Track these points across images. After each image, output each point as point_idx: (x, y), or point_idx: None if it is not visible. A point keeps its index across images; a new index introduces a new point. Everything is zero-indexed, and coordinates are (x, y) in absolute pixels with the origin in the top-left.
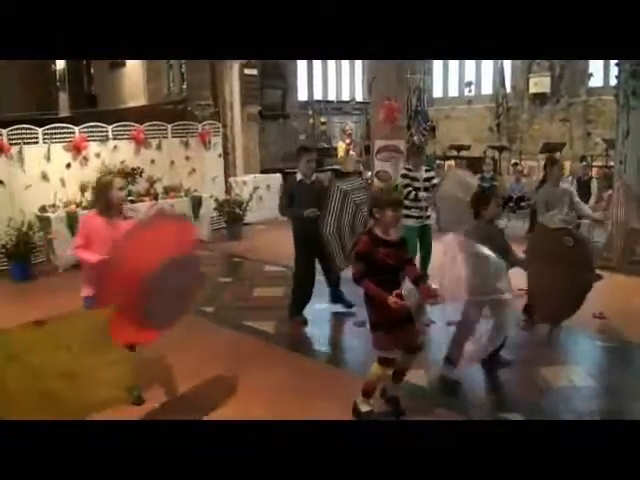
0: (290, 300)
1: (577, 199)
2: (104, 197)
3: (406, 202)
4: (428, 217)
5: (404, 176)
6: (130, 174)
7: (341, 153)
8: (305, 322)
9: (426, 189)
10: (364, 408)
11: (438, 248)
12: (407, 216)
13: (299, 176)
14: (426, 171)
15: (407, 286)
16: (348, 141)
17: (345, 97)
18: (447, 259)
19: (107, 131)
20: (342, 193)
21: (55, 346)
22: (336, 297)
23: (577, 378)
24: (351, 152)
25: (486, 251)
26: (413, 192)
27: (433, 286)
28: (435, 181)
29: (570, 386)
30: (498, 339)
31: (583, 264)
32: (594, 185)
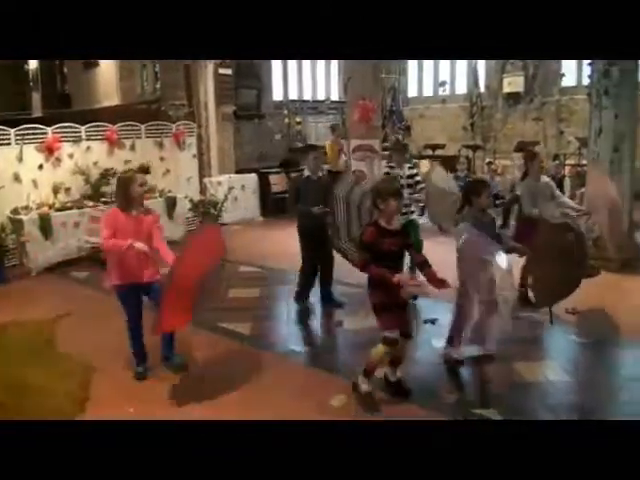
0: (297, 288)
1: (558, 192)
2: (125, 193)
3: None
4: (412, 213)
5: (387, 174)
6: (104, 175)
7: (330, 152)
8: (308, 310)
9: (409, 186)
10: (364, 388)
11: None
12: None
13: (306, 172)
14: (409, 168)
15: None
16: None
17: (321, 97)
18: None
19: (80, 132)
20: (344, 204)
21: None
22: (327, 298)
23: (551, 373)
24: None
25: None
26: None
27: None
28: (418, 178)
29: (544, 381)
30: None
31: (581, 257)
32: (567, 183)
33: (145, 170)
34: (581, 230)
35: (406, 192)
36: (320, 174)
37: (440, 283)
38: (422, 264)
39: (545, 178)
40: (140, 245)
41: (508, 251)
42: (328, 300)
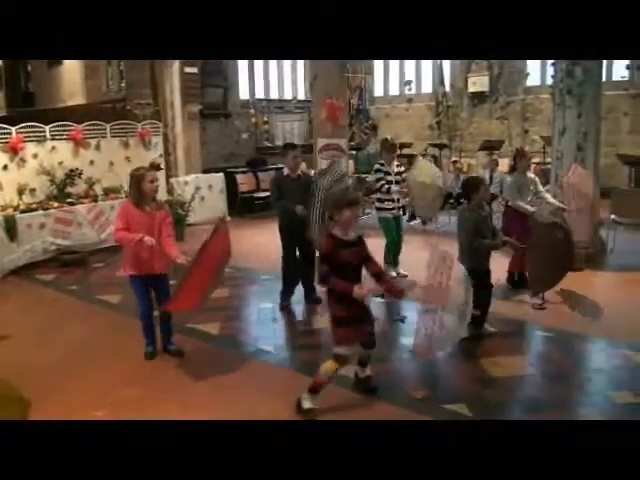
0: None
1: (540, 187)
2: (137, 188)
3: (380, 195)
4: (400, 208)
5: (378, 170)
6: (69, 175)
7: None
8: (287, 307)
9: (397, 182)
10: (307, 405)
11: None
12: (382, 209)
13: (285, 171)
14: (397, 166)
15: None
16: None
17: (287, 96)
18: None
19: (45, 131)
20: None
21: None
22: (310, 296)
23: (519, 368)
24: None
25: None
26: (386, 185)
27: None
28: (405, 175)
29: (512, 376)
30: None
31: (569, 252)
32: None
33: (156, 167)
34: (569, 228)
35: (395, 187)
36: (299, 172)
37: (399, 293)
38: (378, 275)
39: (530, 174)
40: (149, 239)
41: (503, 243)
42: (310, 298)
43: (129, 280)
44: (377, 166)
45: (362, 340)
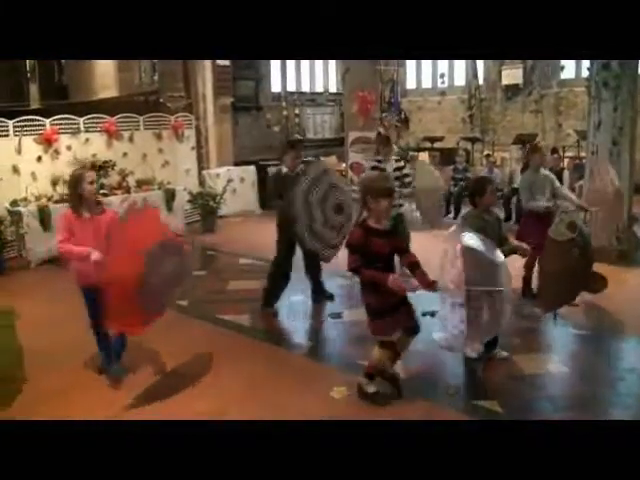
0: (265, 290)
1: (558, 184)
2: (75, 191)
3: None
4: (401, 206)
5: (374, 168)
6: (102, 167)
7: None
8: (275, 314)
9: (397, 178)
10: (371, 389)
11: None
12: None
13: (284, 169)
14: (396, 161)
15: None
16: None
17: (319, 89)
18: (448, 255)
19: (78, 123)
20: (310, 180)
21: None
22: (318, 290)
23: (552, 366)
24: None
25: (484, 248)
26: None
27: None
28: (406, 171)
29: (544, 373)
30: (493, 329)
31: (585, 270)
32: (566, 176)
33: (96, 168)
34: (588, 240)
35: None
36: (298, 170)
37: (430, 286)
38: (412, 265)
39: (544, 171)
40: (96, 256)
41: (511, 251)
42: (320, 293)
43: (85, 293)
44: (373, 163)
45: (404, 325)
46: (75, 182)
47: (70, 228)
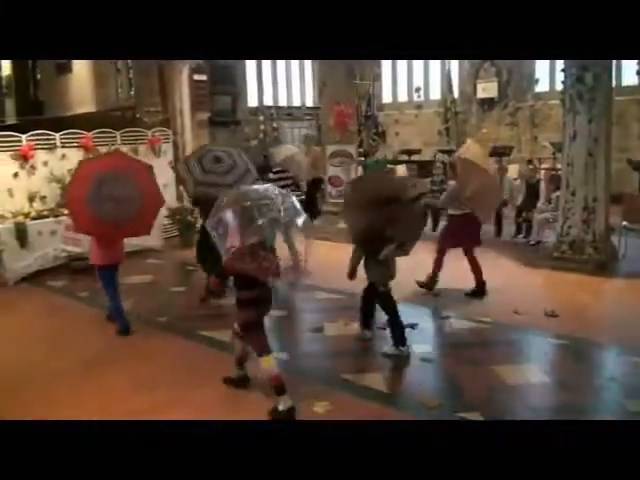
0: None
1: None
2: None
3: None
4: None
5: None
6: None
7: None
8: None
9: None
10: (286, 405)
11: None
12: None
13: None
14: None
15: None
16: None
17: (296, 103)
18: None
19: (55, 139)
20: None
21: None
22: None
23: (532, 376)
24: None
25: None
26: None
27: None
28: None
29: (525, 384)
30: None
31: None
32: (542, 187)
33: None
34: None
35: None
36: None
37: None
38: None
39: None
40: None
41: None
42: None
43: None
44: None
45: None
46: None
47: None
